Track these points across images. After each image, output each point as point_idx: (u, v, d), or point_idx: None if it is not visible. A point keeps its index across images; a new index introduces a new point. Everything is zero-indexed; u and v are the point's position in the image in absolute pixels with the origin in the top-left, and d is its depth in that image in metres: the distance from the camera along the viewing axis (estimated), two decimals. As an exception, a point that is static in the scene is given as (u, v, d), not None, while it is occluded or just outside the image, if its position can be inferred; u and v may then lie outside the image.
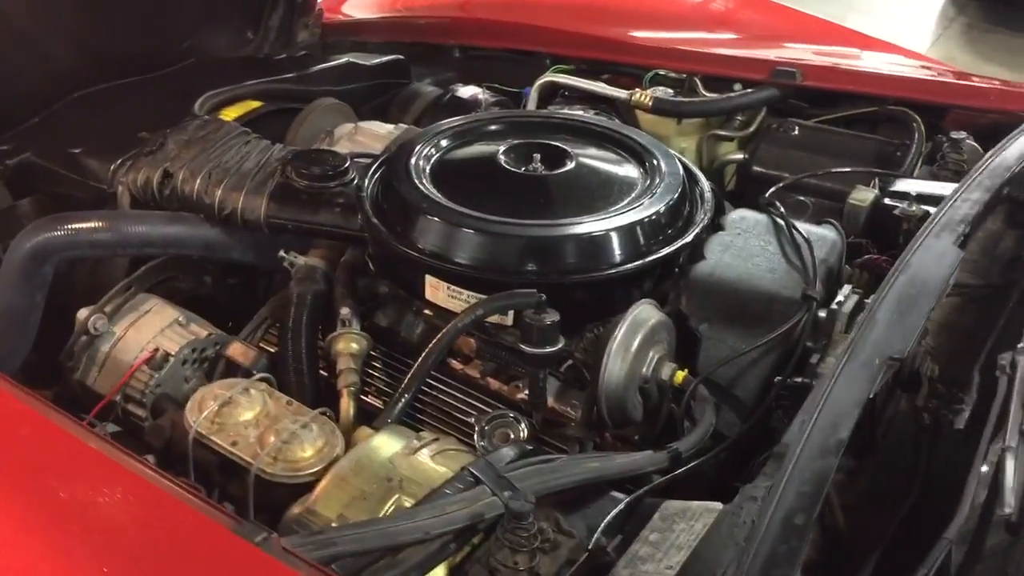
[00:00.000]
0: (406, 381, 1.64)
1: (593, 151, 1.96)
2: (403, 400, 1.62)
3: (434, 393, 1.73)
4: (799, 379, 1.58)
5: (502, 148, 1.91)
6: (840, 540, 1.43)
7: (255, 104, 2.38)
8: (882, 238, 1.93)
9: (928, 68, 2.83)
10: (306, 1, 2.83)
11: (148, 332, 1.81)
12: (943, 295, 1.56)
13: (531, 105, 2.59)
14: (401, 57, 2.80)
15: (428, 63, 2.89)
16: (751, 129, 2.47)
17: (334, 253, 1.94)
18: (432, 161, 1.91)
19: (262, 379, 1.64)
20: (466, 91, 2.61)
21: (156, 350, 1.77)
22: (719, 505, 1.29)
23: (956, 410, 1.56)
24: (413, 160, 1.88)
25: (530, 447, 1.52)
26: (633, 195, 1.82)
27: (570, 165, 1.88)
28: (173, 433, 1.59)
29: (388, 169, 1.89)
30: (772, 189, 2.00)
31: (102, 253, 1.96)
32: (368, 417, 1.66)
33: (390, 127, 2.29)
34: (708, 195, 1.88)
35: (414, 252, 1.72)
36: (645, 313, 1.63)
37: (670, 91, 2.51)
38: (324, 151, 2.08)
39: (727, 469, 1.57)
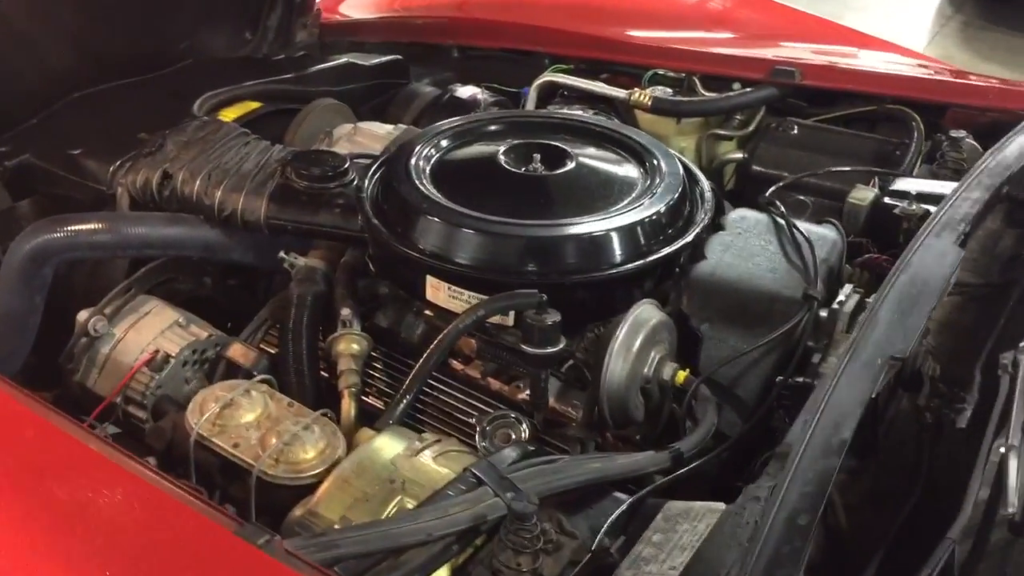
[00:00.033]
0: (407, 382, 1.64)
1: (593, 151, 1.96)
2: (405, 401, 1.62)
3: (435, 394, 1.73)
4: (800, 379, 1.58)
5: (502, 148, 1.91)
6: (842, 540, 1.42)
7: (254, 105, 2.38)
8: (882, 237, 1.93)
9: (926, 67, 2.83)
10: (304, 1, 2.83)
11: (148, 334, 1.81)
12: (944, 294, 1.57)
13: (530, 105, 2.58)
14: (400, 57, 2.80)
15: (426, 63, 2.89)
16: (750, 128, 2.47)
17: (334, 254, 1.94)
18: (432, 161, 1.91)
19: (263, 380, 1.64)
20: (465, 91, 2.61)
21: (156, 352, 1.77)
22: (722, 505, 1.29)
23: (958, 409, 1.56)
24: (413, 160, 1.87)
25: (532, 448, 1.52)
26: (633, 195, 1.81)
27: (570, 165, 1.87)
28: (174, 435, 1.59)
29: (388, 170, 1.88)
30: (772, 188, 2.00)
31: (102, 255, 1.96)
32: (369, 418, 1.65)
33: (389, 127, 2.28)
34: (708, 195, 1.88)
35: (415, 253, 1.72)
36: (646, 313, 1.63)
37: (669, 90, 2.50)
38: (324, 152, 2.08)
39: (728, 469, 1.57)
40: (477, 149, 1.98)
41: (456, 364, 1.76)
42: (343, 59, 2.73)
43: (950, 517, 1.26)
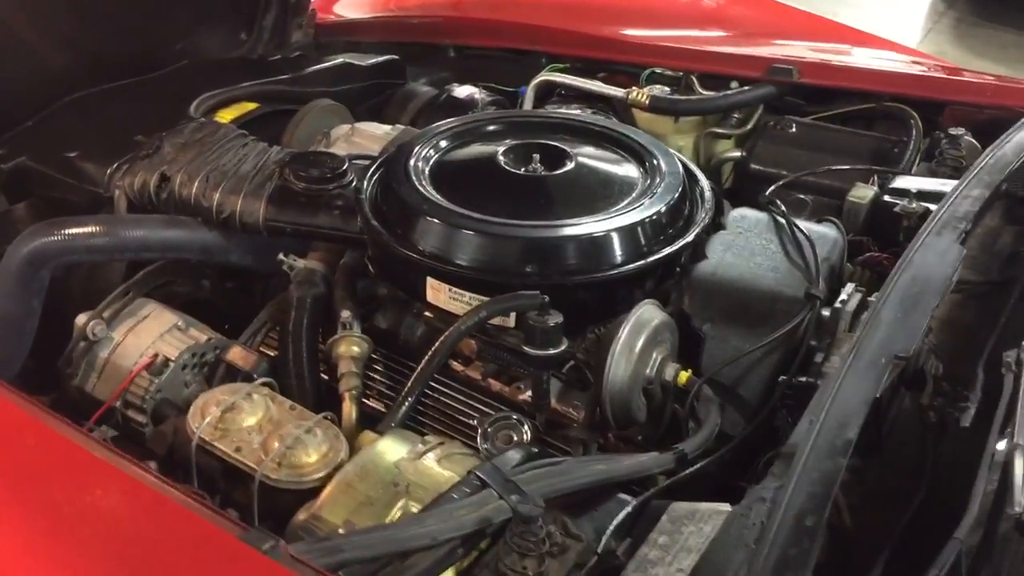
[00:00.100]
0: (409, 384, 1.63)
1: (593, 151, 1.96)
2: (407, 404, 1.61)
3: (435, 395, 1.72)
4: (803, 378, 1.58)
5: (501, 149, 1.91)
6: (847, 540, 1.42)
7: (251, 106, 2.37)
8: (882, 235, 1.93)
9: (923, 64, 2.83)
10: (299, 1, 2.82)
11: (147, 337, 1.80)
12: (946, 293, 1.56)
13: (527, 104, 2.58)
14: (396, 57, 2.79)
15: (423, 63, 2.88)
16: (748, 127, 2.47)
17: (333, 256, 1.93)
18: (431, 162, 1.90)
19: (264, 383, 1.63)
20: (462, 91, 2.60)
21: (156, 355, 1.76)
22: (728, 507, 1.29)
23: (962, 408, 1.56)
24: (412, 161, 1.87)
25: (536, 450, 1.51)
26: (634, 195, 1.81)
27: (570, 165, 1.87)
28: (175, 439, 1.58)
29: (387, 171, 1.88)
30: (772, 187, 2.00)
31: (99, 258, 1.94)
32: (370, 420, 1.65)
33: (387, 128, 2.28)
34: (708, 194, 1.88)
35: (415, 254, 1.71)
36: (648, 313, 1.62)
37: (666, 89, 2.50)
38: (322, 153, 2.07)
39: (731, 469, 1.56)
40: (476, 149, 1.97)
41: (456, 365, 1.75)
42: (339, 59, 2.72)
43: (955, 516, 1.26)
